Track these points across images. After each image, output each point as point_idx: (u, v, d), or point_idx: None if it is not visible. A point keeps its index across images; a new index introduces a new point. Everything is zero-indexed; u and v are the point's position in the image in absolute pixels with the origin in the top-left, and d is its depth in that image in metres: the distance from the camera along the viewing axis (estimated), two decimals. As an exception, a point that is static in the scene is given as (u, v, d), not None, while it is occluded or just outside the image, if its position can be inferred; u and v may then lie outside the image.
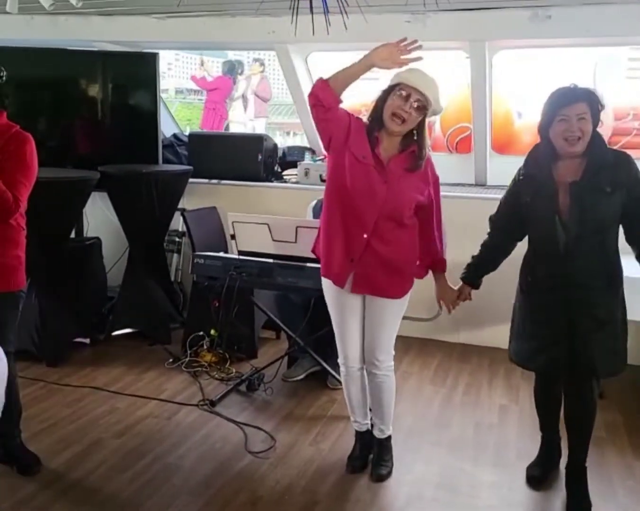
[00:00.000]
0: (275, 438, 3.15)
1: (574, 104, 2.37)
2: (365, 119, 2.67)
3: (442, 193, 4.64)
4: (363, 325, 2.79)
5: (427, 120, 2.60)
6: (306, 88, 4.96)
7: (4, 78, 2.67)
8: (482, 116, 4.53)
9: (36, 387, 3.64)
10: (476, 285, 2.83)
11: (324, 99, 2.49)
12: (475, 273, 2.80)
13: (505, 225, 2.70)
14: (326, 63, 5.25)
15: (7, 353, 2.73)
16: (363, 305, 2.76)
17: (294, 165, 5.06)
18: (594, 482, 2.62)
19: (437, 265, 2.82)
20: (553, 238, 2.45)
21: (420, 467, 2.96)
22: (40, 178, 3.91)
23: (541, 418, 2.89)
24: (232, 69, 9.23)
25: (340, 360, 2.86)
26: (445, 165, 5.11)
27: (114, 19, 4.80)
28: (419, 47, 2.45)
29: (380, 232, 2.59)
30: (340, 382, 3.29)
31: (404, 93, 2.50)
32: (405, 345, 4.45)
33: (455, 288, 2.83)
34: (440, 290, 2.85)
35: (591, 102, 2.39)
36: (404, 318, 4.40)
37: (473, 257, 2.82)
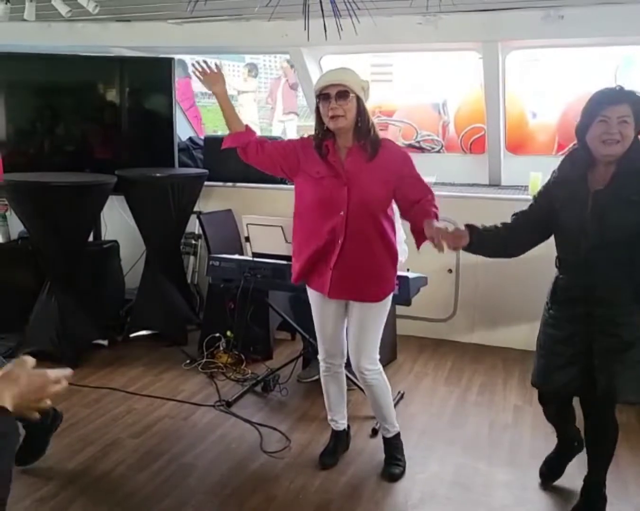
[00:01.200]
0: (290, 438, 3.18)
1: (616, 105, 2.21)
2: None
3: (456, 194, 4.66)
4: (345, 325, 2.83)
5: (363, 102, 2.59)
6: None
7: None
8: (496, 116, 4.52)
9: (56, 388, 3.70)
10: (473, 238, 2.44)
11: (239, 142, 2.72)
12: (480, 231, 2.49)
13: (525, 224, 2.51)
14: (340, 64, 5.28)
15: None
16: (345, 308, 2.78)
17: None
18: (608, 481, 2.61)
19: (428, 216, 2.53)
20: (576, 247, 2.33)
21: (434, 466, 2.98)
22: (58, 182, 4.00)
23: (556, 428, 2.80)
24: (185, 69, 9.17)
25: (320, 356, 2.89)
26: (460, 166, 5.13)
27: (130, 24, 4.86)
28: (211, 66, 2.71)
29: (355, 236, 2.60)
30: (354, 383, 3.32)
31: (326, 94, 2.55)
32: (419, 345, 4.47)
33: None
34: (428, 225, 2.45)
35: (635, 104, 2.22)
36: (418, 318, 4.48)
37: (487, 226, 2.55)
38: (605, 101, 2.24)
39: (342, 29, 2.74)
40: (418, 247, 2.65)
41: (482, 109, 4.68)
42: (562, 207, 2.37)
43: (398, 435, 2.96)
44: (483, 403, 3.64)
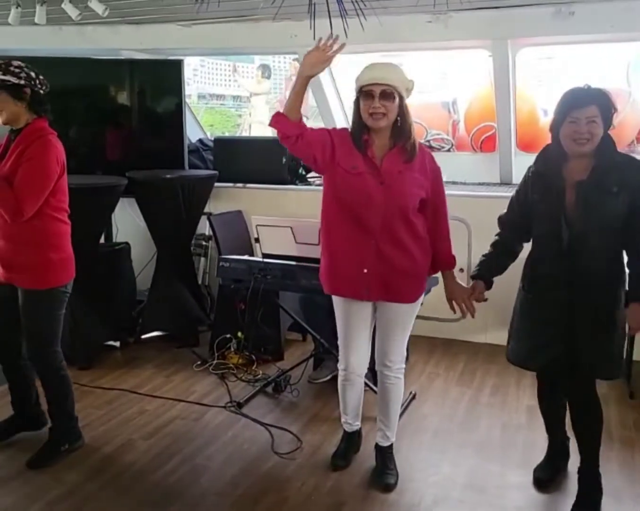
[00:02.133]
0: (302, 439, 3.18)
1: (585, 107, 2.34)
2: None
3: (467, 193, 4.63)
4: (371, 332, 2.79)
5: (405, 101, 2.56)
6: (329, 91, 4.99)
7: (45, 88, 2.96)
8: (506, 114, 4.50)
9: (68, 390, 3.72)
10: (488, 284, 2.71)
11: (285, 130, 2.50)
12: (487, 271, 2.71)
13: (514, 224, 2.65)
14: (349, 65, 5.27)
15: (41, 349, 2.85)
16: (373, 312, 2.75)
17: (318, 167, 5.07)
18: (623, 483, 2.59)
19: (445, 262, 2.75)
20: (557, 236, 2.42)
21: (447, 468, 2.96)
22: (69, 184, 4.00)
23: (546, 421, 2.86)
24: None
25: (341, 366, 2.84)
26: (470, 165, 5.11)
27: (140, 27, 4.89)
28: (337, 40, 2.40)
29: (389, 235, 2.57)
30: (366, 383, 3.31)
31: (369, 92, 2.50)
32: (431, 345, 4.45)
33: (468, 286, 2.76)
34: (450, 289, 2.76)
35: (602, 105, 2.35)
36: (430, 319, 4.45)
37: (483, 255, 2.75)
38: (574, 103, 2.37)
39: (348, 28, 2.72)
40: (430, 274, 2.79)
41: (492, 107, 4.65)
42: (540, 199, 2.49)
43: (392, 446, 2.91)
44: (496, 404, 3.62)
